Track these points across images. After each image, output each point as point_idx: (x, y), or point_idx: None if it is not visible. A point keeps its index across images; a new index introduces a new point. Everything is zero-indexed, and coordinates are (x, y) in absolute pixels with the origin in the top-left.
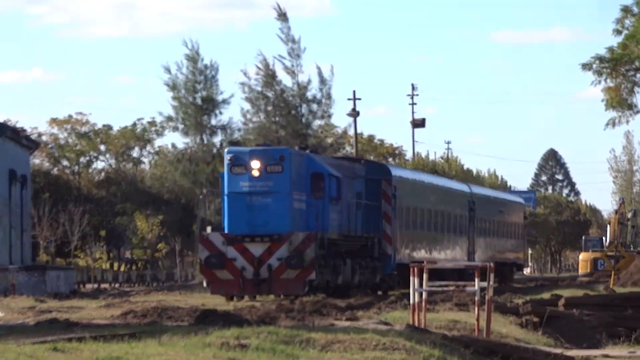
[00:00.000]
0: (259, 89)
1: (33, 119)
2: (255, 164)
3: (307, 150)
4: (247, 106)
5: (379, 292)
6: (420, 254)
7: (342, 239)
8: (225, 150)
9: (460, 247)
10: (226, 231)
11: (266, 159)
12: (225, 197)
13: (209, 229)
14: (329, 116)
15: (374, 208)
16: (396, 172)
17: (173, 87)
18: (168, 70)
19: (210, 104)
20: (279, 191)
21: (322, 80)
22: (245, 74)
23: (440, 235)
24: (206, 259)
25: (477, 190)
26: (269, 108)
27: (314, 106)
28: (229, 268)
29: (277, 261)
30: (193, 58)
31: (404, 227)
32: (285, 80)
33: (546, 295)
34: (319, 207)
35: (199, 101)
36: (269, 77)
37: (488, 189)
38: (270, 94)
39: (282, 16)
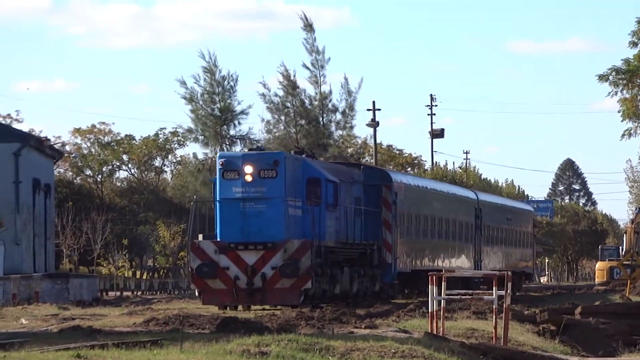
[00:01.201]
0: (280, 99)
1: (56, 129)
2: (248, 169)
3: (303, 154)
4: (268, 116)
5: (378, 303)
6: (423, 262)
7: (340, 247)
8: (217, 155)
9: (466, 255)
10: (218, 239)
11: (259, 163)
12: (218, 204)
13: (200, 236)
14: (351, 127)
15: (374, 215)
16: (397, 177)
17: (190, 99)
18: (184, 83)
19: (229, 115)
20: (273, 197)
21: (348, 92)
22: (264, 85)
23: (444, 243)
24: (198, 268)
25: (484, 197)
26: (291, 118)
27: (337, 116)
28: (222, 277)
29: (272, 270)
30: (210, 70)
31: (406, 235)
32: (308, 90)
33: (563, 304)
34: (315, 214)
35: (217, 112)
36: (291, 87)
37: (495, 196)
38: (291, 104)
39: (308, 27)
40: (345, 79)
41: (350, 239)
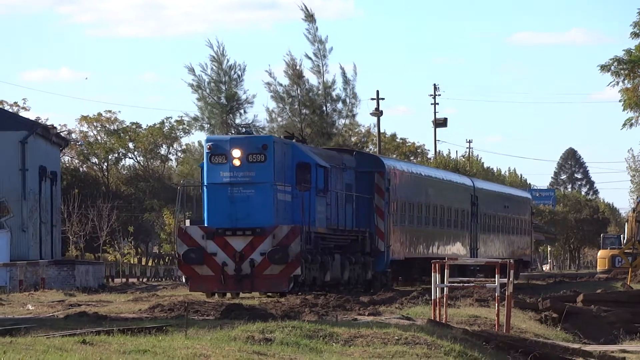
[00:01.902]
0: (285, 87)
1: (63, 117)
2: (236, 153)
3: (293, 139)
4: (272, 105)
5: (371, 290)
6: (417, 250)
7: (331, 233)
8: (205, 138)
9: (461, 243)
10: (206, 224)
11: (248, 147)
12: (205, 189)
13: (187, 222)
14: (354, 115)
15: (366, 201)
16: (389, 163)
17: (197, 87)
18: (192, 71)
19: (235, 103)
20: (261, 182)
21: (346, 80)
22: (270, 74)
23: (439, 231)
24: (184, 254)
25: (481, 184)
26: (295, 107)
27: (339, 105)
28: (209, 263)
29: (260, 256)
30: (218, 58)
31: (399, 222)
32: (311, 79)
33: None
34: (304, 199)
35: (223, 100)
36: (296, 76)
37: (492, 183)
38: (296, 93)
39: (309, 17)
40: (342, 68)
41: (342, 226)
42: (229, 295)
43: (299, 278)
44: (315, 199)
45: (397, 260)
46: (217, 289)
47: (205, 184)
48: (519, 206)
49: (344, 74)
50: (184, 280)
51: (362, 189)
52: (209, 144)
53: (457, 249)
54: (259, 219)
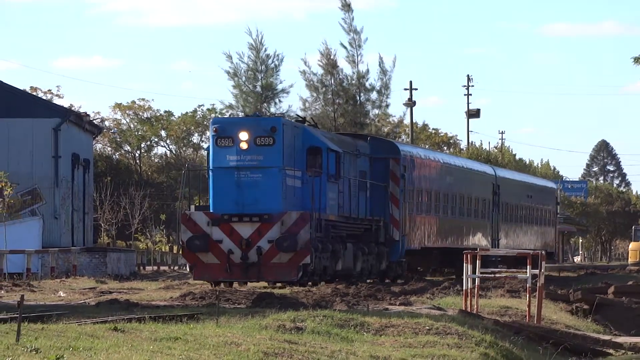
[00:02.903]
0: (320, 77)
1: (96, 105)
2: (244, 136)
3: (305, 123)
4: (306, 94)
5: (387, 281)
6: (435, 240)
7: (343, 222)
8: (211, 120)
9: (482, 233)
10: (211, 210)
11: (256, 130)
12: (211, 173)
13: (192, 207)
14: (387, 106)
15: (381, 189)
16: (406, 149)
17: (234, 75)
18: (230, 58)
19: (271, 92)
20: (270, 166)
21: (383, 71)
22: (305, 62)
23: (458, 221)
24: (189, 241)
25: (503, 172)
26: (329, 96)
27: (373, 95)
28: (215, 251)
29: (268, 243)
30: (256, 47)
31: (415, 211)
32: (346, 69)
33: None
34: (315, 185)
35: (259, 89)
36: (330, 65)
37: (515, 172)
38: (330, 82)
39: (347, 7)
40: (380, 58)
41: (354, 214)
42: (235, 284)
43: (309, 267)
44: (326, 185)
45: (413, 250)
46: (223, 278)
47: (211, 168)
48: (544, 196)
49: (381, 64)
50: (187, 268)
51: (376, 176)
52: (215, 126)
53: (477, 240)
54: (267, 205)
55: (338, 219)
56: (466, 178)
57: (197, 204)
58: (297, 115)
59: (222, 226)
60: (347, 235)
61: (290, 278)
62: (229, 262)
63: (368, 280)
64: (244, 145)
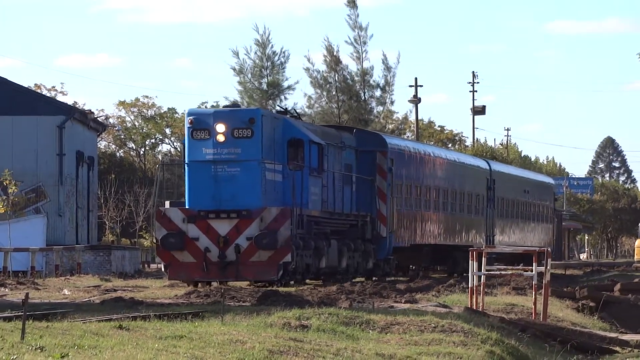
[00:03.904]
0: (323, 74)
1: (99, 102)
2: (221, 128)
3: (287, 114)
4: (310, 91)
5: (374, 279)
6: (424, 237)
7: (326, 217)
8: (186, 112)
9: (476, 230)
10: (187, 206)
11: (233, 121)
12: (186, 167)
13: (167, 203)
14: (391, 102)
15: (367, 183)
16: (393, 142)
17: (240, 71)
18: (236, 54)
19: (276, 89)
20: (248, 159)
21: (387, 68)
22: (309, 59)
23: (450, 217)
24: (163, 239)
25: (498, 167)
26: (333, 93)
27: (377, 92)
28: (190, 249)
29: (247, 241)
30: (263, 44)
31: (404, 206)
32: (350, 66)
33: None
34: (296, 179)
35: (264, 86)
36: (334, 62)
37: (511, 167)
38: (334, 79)
39: (352, 3)
40: (384, 55)
41: (339, 209)
42: (214, 284)
43: (290, 265)
44: (308, 179)
45: (402, 247)
46: (199, 277)
47: (186, 161)
48: (541, 191)
49: (385, 60)
50: (162, 268)
51: (363, 169)
52: (191, 117)
53: (471, 236)
54: (245, 201)
55: (321, 215)
56: (459, 172)
57: (172, 200)
58: (278, 107)
59: (198, 223)
60: (332, 232)
61: (270, 277)
62: (205, 260)
63: (354, 280)
64: (220, 138)
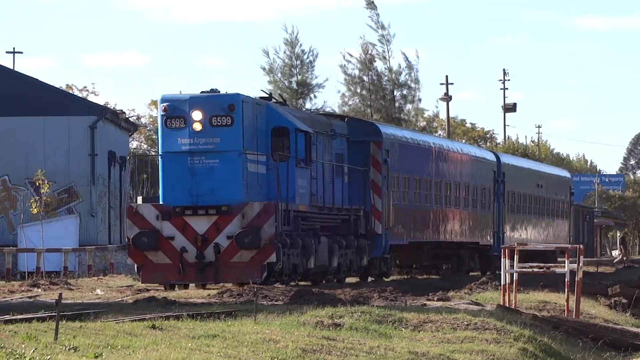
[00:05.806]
0: (357, 72)
1: (130, 101)
2: (197, 115)
3: (271, 100)
4: (343, 89)
5: (370, 279)
6: (423, 233)
7: (315, 212)
8: (159, 98)
9: (483, 226)
10: (161, 202)
11: (211, 108)
12: (160, 159)
13: (139, 199)
14: (419, 100)
15: (360, 175)
16: (388, 132)
17: (269, 70)
18: (266, 53)
19: (306, 88)
20: (228, 150)
21: (409, 66)
22: (344, 56)
23: (451, 212)
24: (135, 238)
25: (508, 159)
26: (364, 92)
27: (405, 91)
28: (165, 249)
29: (227, 240)
30: (291, 42)
31: (401, 200)
32: (378, 65)
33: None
34: (282, 171)
35: (294, 85)
36: (367, 61)
37: (523, 159)
38: (366, 78)
39: (371, 4)
40: (404, 53)
41: (329, 203)
42: (192, 286)
43: (275, 266)
44: (295, 171)
45: (401, 245)
46: (175, 280)
47: (160, 153)
48: (556, 185)
49: (406, 59)
50: (135, 269)
51: (355, 160)
52: (164, 104)
53: (477, 233)
54: (225, 195)
55: (310, 210)
56: (462, 164)
57: (144, 196)
58: (262, 91)
59: (173, 220)
60: (321, 228)
61: (253, 279)
62: (182, 261)
63: (348, 280)
64: (197, 127)
